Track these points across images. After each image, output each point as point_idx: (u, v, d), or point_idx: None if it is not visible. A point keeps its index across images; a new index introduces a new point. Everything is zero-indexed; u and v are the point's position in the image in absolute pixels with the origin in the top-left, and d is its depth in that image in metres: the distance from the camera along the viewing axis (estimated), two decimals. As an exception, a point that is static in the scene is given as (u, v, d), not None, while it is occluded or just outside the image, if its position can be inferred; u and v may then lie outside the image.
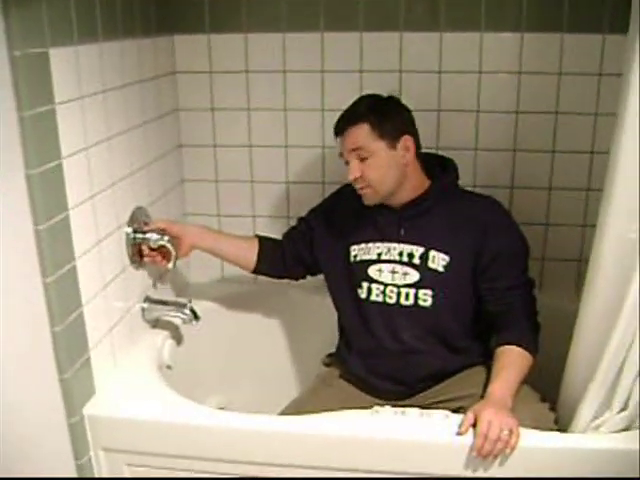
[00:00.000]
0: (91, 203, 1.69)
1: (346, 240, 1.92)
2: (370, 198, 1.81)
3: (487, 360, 1.80)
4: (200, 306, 2.10)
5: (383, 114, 1.76)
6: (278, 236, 2.11)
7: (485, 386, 1.70)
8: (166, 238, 1.94)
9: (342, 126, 1.79)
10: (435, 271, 1.78)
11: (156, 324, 2.10)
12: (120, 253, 1.88)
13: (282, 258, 2.05)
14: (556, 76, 2.11)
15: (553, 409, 1.72)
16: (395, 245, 1.83)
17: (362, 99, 1.84)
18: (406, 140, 1.76)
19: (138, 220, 1.95)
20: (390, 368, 1.86)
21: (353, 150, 1.76)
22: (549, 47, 2.07)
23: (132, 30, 1.92)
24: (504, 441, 1.49)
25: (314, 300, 2.26)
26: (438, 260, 1.78)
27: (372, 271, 1.85)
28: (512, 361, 1.71)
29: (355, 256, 1.89)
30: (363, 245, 1.88)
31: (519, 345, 1.72)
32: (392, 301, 1.83)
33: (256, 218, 2.39)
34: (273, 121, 2.26)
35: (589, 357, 1.57)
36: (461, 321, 1.84)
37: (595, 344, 1.55)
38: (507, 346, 1.73)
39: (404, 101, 1.95)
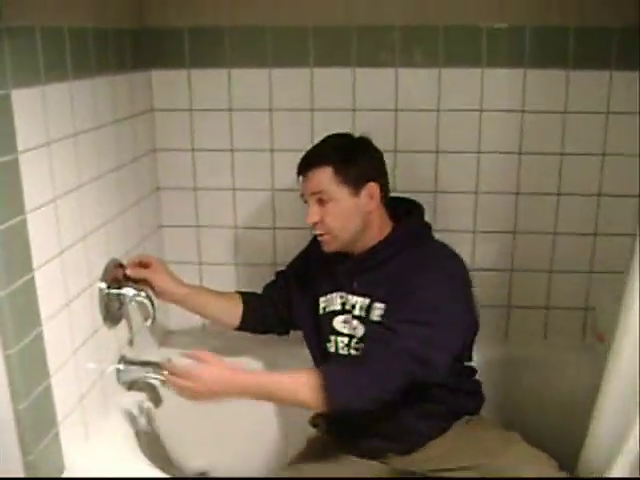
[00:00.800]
0: (59, 260, 1.51)
1: (315, 291, 1.82)
2: (328, 245, 1.70)
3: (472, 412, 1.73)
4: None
5: (349, 158, 1.64)
6: (261, 284, 1.98)
7: (492, 454, 1.61)
8: (143, 294, 1.77)
9: (304, 167, 1.68)
10: (374, 322, 1.66)
11: (132, 386, 1.91)
12: (92, 312, 1.69)
13: (263, 316, 1.93)
14: (560, 115, 1.98)
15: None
16: (349, 297, 1.73)
17: (329, 139, 1.73)
18: (371, 187, 1.65)
19: (112, 273, 1.77)
20: (371, 424, 1.72)
21: (314, 193, 1.65)
22: (553, 84, 1.96)
23: (105, 66, 1.75)
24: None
25: (300, 353, 2.06)
26: (376, 310, 1.66)
27: (337, 323, 1.76)
28: (293, 373, 1.61)
29: (324, 308, 1.79)
30: (329, 296, 1.78)
31: (320, 373, 1.58)
32: (357, 353, 1.71)
33: (239, 266, 2.22)
34: (258, 162, 2.11)
35: (615, 427, 1.44)
36: None
37: (621, 414, 1.41)
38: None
39: (400, 141, 1.83)
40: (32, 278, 1.39)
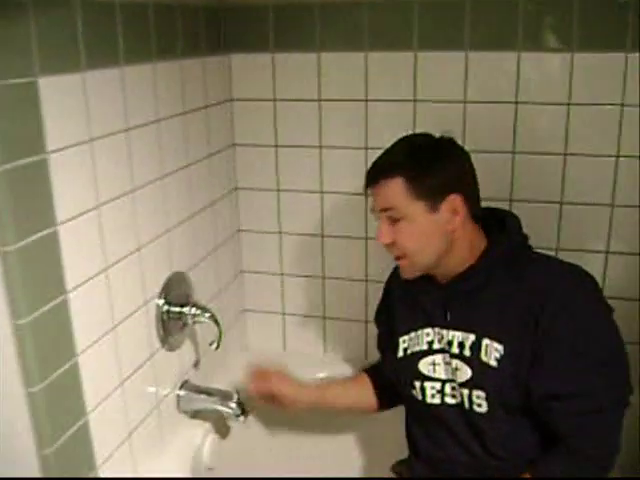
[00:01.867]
0: (104, 276, 1.29)
1: (396, 331, 1.54)
2: (406, 271, 1.42)
3: None
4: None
5: (424, 166, 1.35)
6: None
7: None
8: (207, 314, 1.55)
9: (371, 177, 1.40)
10: (487, 365, 1.35)
11: (196, 415, 1.67)
12: (148, 333, 1.47)
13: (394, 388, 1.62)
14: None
15: None
16: (444, 332, 1.43)
17: (402, 142, 1.44)
18: (453, 201, 1.34)
19: (174, 290, 1.54)
20: None
21: (384, 210, 1.37)
22: None
23: (173, 48, 1.51)
24: None
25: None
26: (491, 351, 1.35)
27: (423, 365, 1.46)
28: None
29: (405, 349, 1.51)
30: (412, 334, 1.49)
31: None
32: (454, 401, 1.43)
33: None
34: (351, 161, 1.80)
35: None
36: (522, 432, 1.39)
37: None
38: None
39: (468, 141, 1.54)
40: (64, 301, 1.17)
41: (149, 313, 1.47)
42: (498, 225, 1.43)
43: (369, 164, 1.70)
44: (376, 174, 1.38)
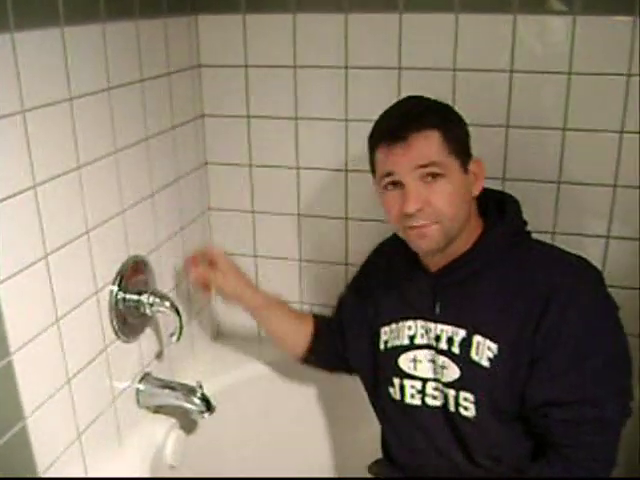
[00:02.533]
0: (43, 264, 1.14)
1: (375, 319, 1.40)
2: (432, 241, 1.22)
3: None
4: (216, 386, 1.59)
5: (454, 120, 1.25)
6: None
7: None
8: (167, 303, 1.40)
9: (403, 130, 1.19)
10: (477, 365, 1.21)
11: (158, 409, 1.55)
12: (100, 324, 1.33)
13: (330, 350, 1.52)
14: None
15: None
16: (431, 325, 1.28)
17: (411, 100, 1.29)
18: (477, 162, 1.25)
19: (132, 276, 1.40)
20: None
21: (420, 167, 1.18)
22: None
23: (129, 7, 1.35)
24: None
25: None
26: (483, 349, 1.21)
27: (403, 361, 1.32)
28: None
29: (386, 342, 1.37)
30: (394, 325, 1.35)
31: None
32: (436, 403, 1.29)
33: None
34: (330, 134, 1.65)
35: None
36: (511, 441, 1.25)
37: None
38: None
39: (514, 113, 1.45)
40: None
41: (101, 302, 1.33)
42: (496, 209, 1.29)
43: (350, 137, 1.57)
44: (405, 128, 1.19)
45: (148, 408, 1.53)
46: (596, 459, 1.16)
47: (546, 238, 1.46)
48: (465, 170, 1.22)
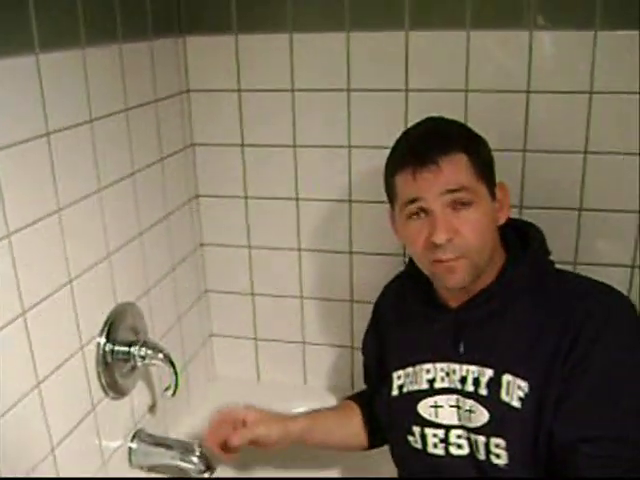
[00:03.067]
0: (22, 320, 1.01)
1: (389, 363, 1.28)
2: (462, 276, 1.11)
3: None
4: None
5: (479, 143, 1.15)
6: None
7: None
8: (160, 355, 1.27)
9: (430, 153, 1.08)
10: (508, 406, 1.10)
11: (153, 468, 1.41)
12: (87, 382, 1.19)
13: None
14: None
15: None
16: (455, 366, 1.17)
17: (430, 122, 1.19)
18: (503, 189, 1.16)
19: (120, 324, 1.27)
20: None
21: (449, 192, 1.07)
22: None
23: (111, 30, 1.23)
24: None
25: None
26: (513, 389, 1.10)
27: (423, 408, 1.20)
28: None
29: (401, 386, 1.24)
30: (410, 369, 1.23)
31: None
32: (462, 452, 1.16)
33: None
34: (333, 161, 1.52)
35: None
36: None
37: None
38: None
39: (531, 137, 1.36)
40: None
41: (87, 358, 1.19)
42: (519, 239, 1.18)
43: (353, 165, 1.45)
44: (433, 151, 1.08)
45: (141, 468, 1.39)
46: None
47: (567, 268, 1.35)
48: (493, 197, 1.13)
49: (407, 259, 1.30)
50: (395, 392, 1.25)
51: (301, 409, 1.52)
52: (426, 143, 1.11)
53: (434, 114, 1.19)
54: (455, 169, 1.07)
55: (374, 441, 1.40)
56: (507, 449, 1.11)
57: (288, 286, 1.64)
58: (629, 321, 1.11)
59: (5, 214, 0.96)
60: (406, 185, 1.10)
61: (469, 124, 1.33)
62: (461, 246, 1.08)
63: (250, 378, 1.75)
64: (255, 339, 1.71)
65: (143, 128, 1.35)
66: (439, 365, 1.19)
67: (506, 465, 1.12)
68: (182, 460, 1.34)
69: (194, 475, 1.36)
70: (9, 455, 1.00)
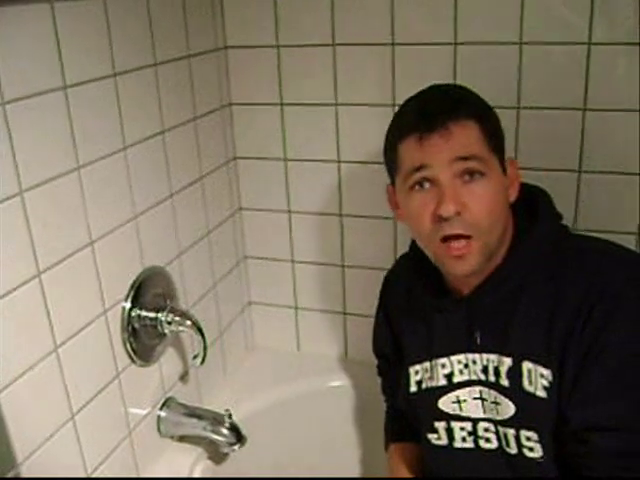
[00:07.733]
0: (37, 281, 0.97)
1: (405, 357, 1.19)
2: (472, 262, 0.99)
3: None
4: (250, 409, 1.45)
5: (490, 114, 1.04)
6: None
7: None
8: (188, 322, 1.22)
9: (442, 117, 0.97)
10: (533, 397, 0.99)
11: (183, 438, 1.37)
12: (110, 348, 1.15)
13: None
14: None
15: None
16: (475, 356, 1.06)
17: (450, 86, 1.15)
18: (512, 164, 1.06)
19: (148, 290, 1.23)
20: None
21: (460, 160, 0.96)
22: None
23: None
24: None
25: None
26: (536, 377, 0.99)
27: (445, 404, 1.11)
28: None
29: (419, 382, 1.15)
30: (427, 364, 1.14)
31: None
32: (491, 446, 1.07)
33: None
34: (373, 119, 1.42)
35: None
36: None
37: None
38: None
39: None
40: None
41: (111, 323, 1.15)
42: (525, 206, 1.06)
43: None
44: (444, 115, 0.98)
45: (172, 437, 1.35)
46: None
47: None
48: (504, 170, 1.02)
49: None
50: (414, 388, 1.16)
51: (338, 382, 1.47)
52: (435, 106, 1.00)
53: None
54: (467, 136, 0.97)
55: None
56: (540, 441, 1.01)
57: (330, 253, 1.57)
58: None
59: (18, 171, 0.92)
60: (411, 151, 0.99)
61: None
62: (471, 223, 0.97)
63: (290, 349, 1.69)
64: (295, 308, 1.65)
65: (174, 85, 1.29)
66: (455, 357, 1.09)
67: (541, 457, 1.02)
68: (212, 432, 1.30)
69: (224, 448, 1.31)
70: (26, 420, 0.97)
